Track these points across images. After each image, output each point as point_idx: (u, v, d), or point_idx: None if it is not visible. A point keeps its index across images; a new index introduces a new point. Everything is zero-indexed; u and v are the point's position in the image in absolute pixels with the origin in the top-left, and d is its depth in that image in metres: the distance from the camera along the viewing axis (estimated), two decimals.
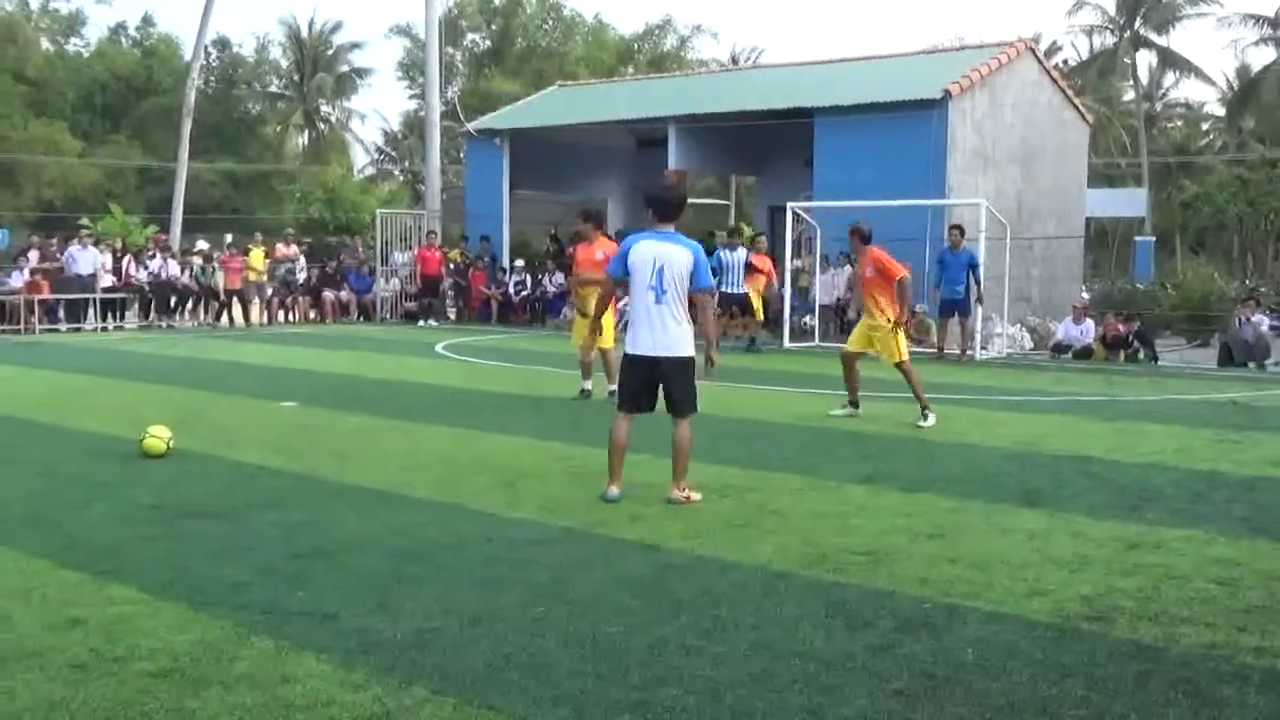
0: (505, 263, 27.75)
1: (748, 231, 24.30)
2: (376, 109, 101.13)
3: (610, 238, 13.36)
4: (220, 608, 5.06)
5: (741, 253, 19.28)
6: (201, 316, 25.52)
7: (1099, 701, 4.11)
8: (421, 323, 25.95)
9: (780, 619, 5.00)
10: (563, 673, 4.33)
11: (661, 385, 7.48)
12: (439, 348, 19.48)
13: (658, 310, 7.34)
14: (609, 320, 12.34)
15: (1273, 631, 4.87)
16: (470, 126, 29.39)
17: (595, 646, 4.63)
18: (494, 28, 54.76)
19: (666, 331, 7.34)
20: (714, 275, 15.84)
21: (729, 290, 18.78)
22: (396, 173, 61.63)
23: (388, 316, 27.61)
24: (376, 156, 62.60)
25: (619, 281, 7.70)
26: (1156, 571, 5.78)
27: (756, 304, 19.45)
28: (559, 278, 26.11)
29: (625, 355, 7.60)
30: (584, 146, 29.24)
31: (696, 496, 7.44)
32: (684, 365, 7.40)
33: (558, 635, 4.75)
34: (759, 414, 11.70)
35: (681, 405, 7.49)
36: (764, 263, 19.87)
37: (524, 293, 26.84)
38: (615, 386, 12.10)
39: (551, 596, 5.28)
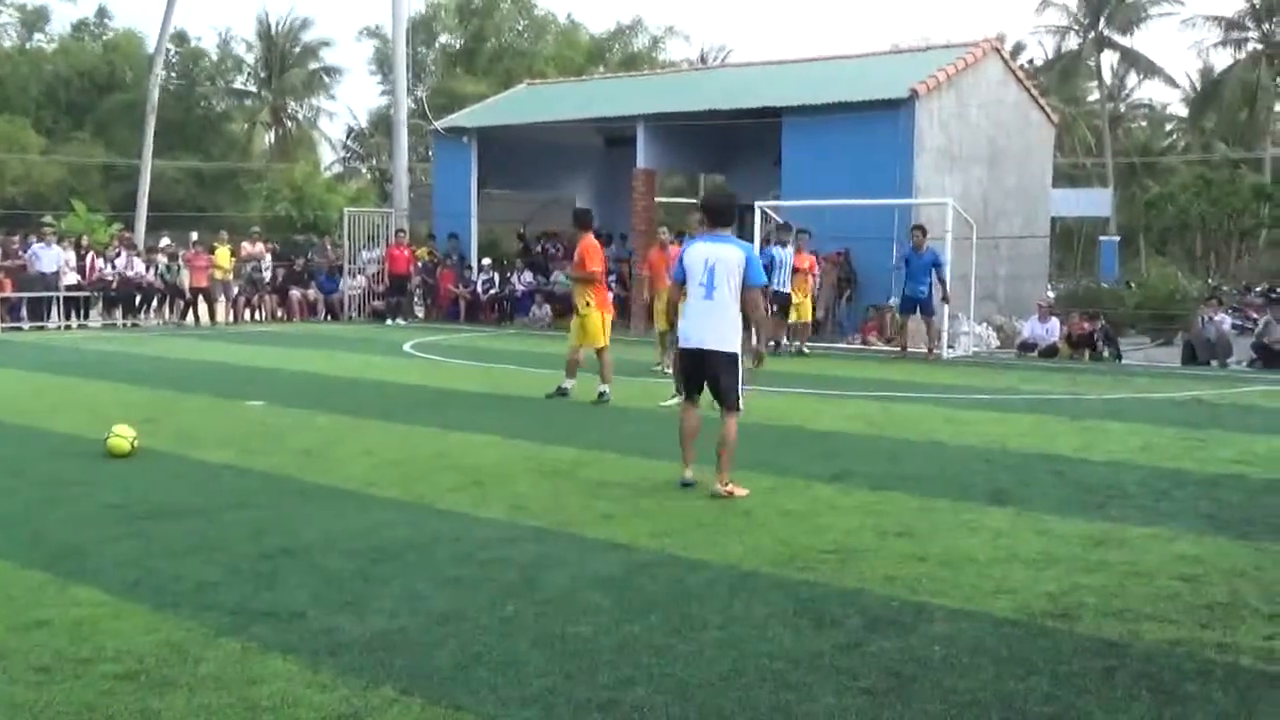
0: (474, 261, 27.67)
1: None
2: (349, 106, 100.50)
3: (597, 238, 13.32)
4: (186, 608, 5.02)
5: (793, 250, 18.94)
6: (167, 315, 25.31)
7: (1064, 697, 4.15)
8: (389, 321, 25.84)
9: (749, 617, 5.01)
10: (531, 672, 4.33)
11: (708, 378, 7.82)
12: (407, 347, 19.41)
13: (706, 306, 7.71)
14: (601, 320, 12.35)
15: (1235, 628, 4.92)
16: (438, 125, 29.29)
17: (564, 646, 4.62)
18: (468, 28, 54.54)
19: (714, 326, 7.71)
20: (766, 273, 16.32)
21: (779, 289, 18.30)
22: (364, 170, 61.34)
23: (355, 315, 27.48)
24: (344, 154, 62.31)
25: (681, 284, 7.98)
26: (1121, 569, 5.83)
27: (801, 304, 19.36)
28: (527, 276, 26.07)
29: (678, 349, 8.19)
30: (552, 145, 29.19)
31: (741, 491, 7.59)
32: (731, 359, 7.74)
33: (527, 635, 4.74)
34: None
35: (728, 397, 7.79)
36: (804, 260, 19.71)
37: (492, 291, 26.77)
38: (605, 388, 12.16)
39: (520, 596, 5.27)
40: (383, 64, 53.70)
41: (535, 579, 5.55)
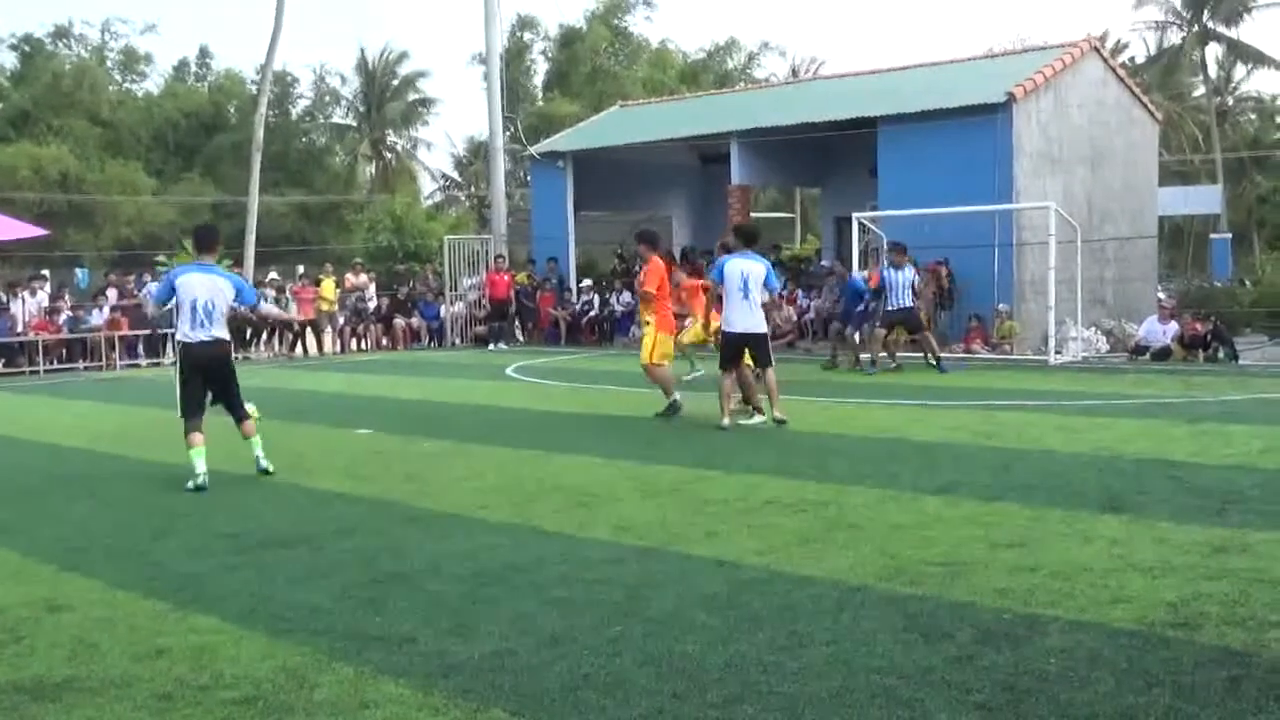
0: (572, 283, 27.87)
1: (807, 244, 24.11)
2: (447, 134, 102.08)
3: (663, 258, 13.53)
4: (300, 634, 5.12)
5: (909, 271, 18.01)
6: (276, 347, 25.91)
7: (1187, 710, 4.02)
8: (491, 346, 26.12)
9: (857, 633, 4.95)
10: (639, 692, 4.33)
11: (749, 350, 11.61)
12: (509, 370, 19.61)
13: (745, 303, 11.47)
14: (654, 339, 12.57)
15: None
16: (533, 150, 29.61)
17: (671, 665, 4.61)
18: (563, 52, 55.09)
19: (751, 316, 11.51)
20: (878, 294, 17.89)
21: (892, 307, 17.73)
22: (463, 198, 62.24)
23: (458, 341, 27.84)
24: (443, 183, 63.28)
25: (718, 285, 11.73)
26: (1244, 575, 5.64)
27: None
28: (625, 296, 26.19)
29: (723, 333, 11.72)
30: (647, 165, 29.33)
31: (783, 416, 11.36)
32: (762, 336, 11.66)
33: (634, 654, 4.75)
34: (831, 427, 11.63)
35: (763, 359, 11.65)
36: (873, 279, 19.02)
37: (591, 313, 26.94)
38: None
39: (627, 615, 5.28)
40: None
41: (641, 598, 5.55)
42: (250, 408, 9.64)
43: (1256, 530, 6.57)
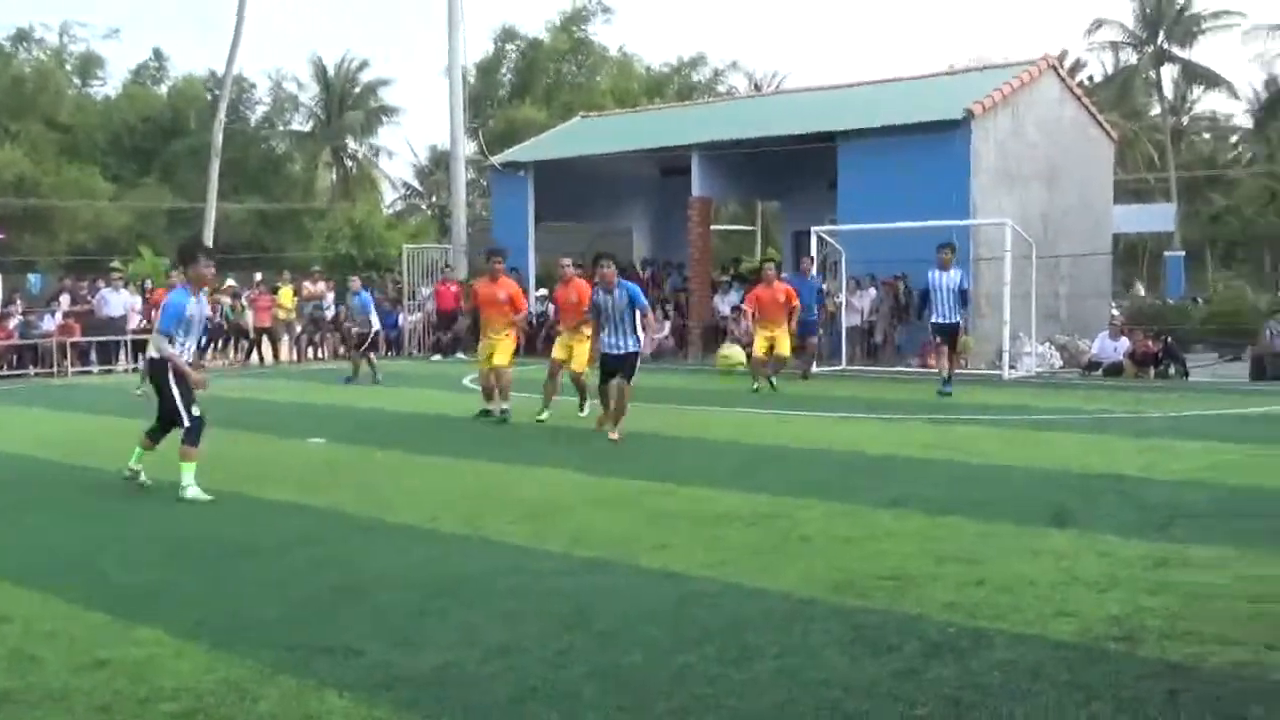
0: (532, 294, 27.83)
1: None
2: (409, 142, 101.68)
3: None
4: (244, 646, 5.08)
5: (956, 274, 16.41)
6: (231, 355, 25.70)
7: None
8: (438, 357, 25.98)
9: (805, 646, 4.97)
10: (586, 705, 4.32)
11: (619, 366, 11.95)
12: (466, 381, 19.53)
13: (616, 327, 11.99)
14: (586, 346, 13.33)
15: None
16: (494, 160, 29.59)
17: (619, 677, 4.61)
18: (521, 62, 54.94)
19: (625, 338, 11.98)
20: (925, 302, 16.87)
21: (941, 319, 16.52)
22: (424, 207, 62.02)
23: (415, 351, 27.72)
24: (404, 192, 63.03)
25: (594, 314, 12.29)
26: (1185, 590, 5.72)
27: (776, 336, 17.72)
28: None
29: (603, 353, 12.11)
30: (609, 176, 29.38)
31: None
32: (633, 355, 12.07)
33: (581, 666, 4.74)
34: (786, 440, 11.69)
35: (627, 375, 11.92)
36: (780, 293, 18.19)
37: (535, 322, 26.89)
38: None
39: (576, 628, 5.27)
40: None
41: (591, 611, 5.55)
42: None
43: (1199, 545, 6.66)
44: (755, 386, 17.05)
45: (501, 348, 13.66)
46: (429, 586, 6.04)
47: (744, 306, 18.92)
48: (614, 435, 11.66)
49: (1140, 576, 6.00)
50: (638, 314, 12.03)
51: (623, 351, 11.94)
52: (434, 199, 59.35)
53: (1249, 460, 9.86)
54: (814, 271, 20.25)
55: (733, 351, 20.57)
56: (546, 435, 12.52)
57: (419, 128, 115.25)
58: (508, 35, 54.82)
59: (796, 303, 17.55)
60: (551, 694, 4.44)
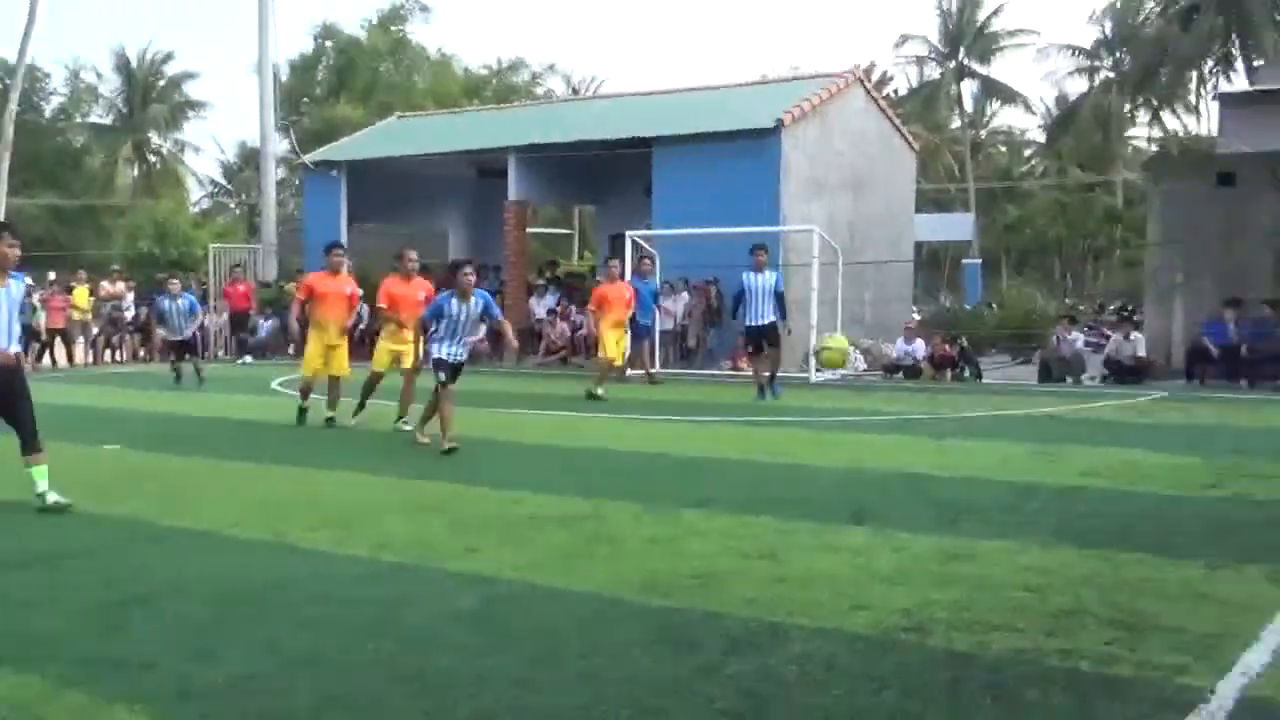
0: None
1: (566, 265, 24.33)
2: (215, 138, 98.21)
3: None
4: (30, 662, 4.86)
5: (770, 276, 16.31)
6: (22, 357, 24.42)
7: (913, 709, 4.26)
8: (240, 361, 25.19)
9: (610, 646, 5.04)
10: (390, 711, 4.29)
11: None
12: (274, 384, 19.07)
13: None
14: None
15: (1077, 635, 5.10)
16: (307, 159, 28.97)
17: (424, 682, 4.59)
18: (339, 60, 53.78)
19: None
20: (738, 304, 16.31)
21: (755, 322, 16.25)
22: (233, 206, 60.22)
23: (221, 353, 26.89)
24: (212, 189, 61.07)
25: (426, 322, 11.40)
26: (971, 582, 6.01)
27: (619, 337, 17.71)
28: None
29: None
30: (425, 177, 29.07)
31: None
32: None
33: (386, 673, 4.70)
34: (597, 442, 11.79)
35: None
36: (624, 292, 18.12)
37: (362, 325, 26.41)
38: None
39: (380, 634, 5.22)
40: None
41: (395, 616, 5.50)
42: None
43: (985, 539, 6.99)
44: (600, 392, 16.32)
45: (343, 354, 13.28)
46: (228, 595, 5.89)
47: (590, 306, 18.52)
48: (447, 444, 10.93)
49: (930, 570, 6.27)
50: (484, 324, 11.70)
51: (463, 360, 11.44)
52: (243, 197, 57.71)
53: (1033, 458, 10.39)
54: (654, 272, 20.14)
55: (837, 342, 18.49)
56: (354, 440, 12.32)
57: (228, 123, 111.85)
58: (328, 32, 53.69)
59: (633, 303, 17.68)
60: (355, 701, 4.39)
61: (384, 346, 13.23)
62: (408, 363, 12.86)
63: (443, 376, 11.17)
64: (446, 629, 5.29)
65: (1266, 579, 6.01)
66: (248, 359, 25.43)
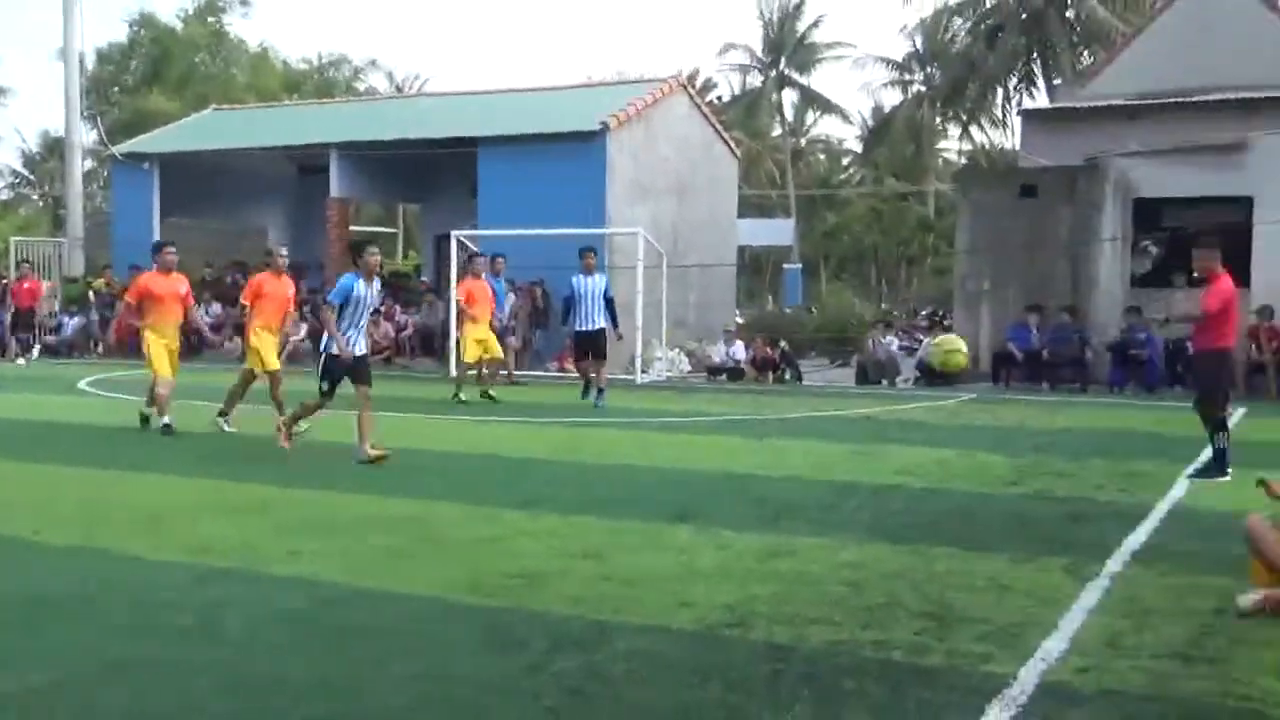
0: None
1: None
2: (17, 129, 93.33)
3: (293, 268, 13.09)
4: None
5: (600, 279, 16.03)
6: None
7: (735, 701, 4.38)
8: (21, 360, 23.83)
9: (436, 646, 5.03)
10: (210, 717, 4.20)
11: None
12: (82, 384, 18.32)
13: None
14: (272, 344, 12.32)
15: (890, 627, 5.31)
16: (116, 150, 27.86)
17: (247, 687, 4.50)
18: (153, 50, 51.79)
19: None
20: (568, 309, 15.80)
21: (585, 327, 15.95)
22: (35, 197, 57.46)
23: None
24: (13, 180, 58.12)
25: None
26: (791, 577, 6.20)
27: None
28: (216, 308, 25.09)
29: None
30: (243, 172, 28.31)
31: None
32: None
33: (206, 679, 4.59)
34: (422, 444, 11.69)
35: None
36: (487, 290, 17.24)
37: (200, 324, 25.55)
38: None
39: (199, 639, 5.10)
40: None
41: (216, 621, 5.37)
42: None
43: (803, 536, 7.22)
44: (463, 397, 15.92)
45: (171, 354, 12.56)
46: (33, 603, 5.65)
47: (459, 302, 17.03)
48: (371, 452, 10.27)
49: (752, 567, 6.44)
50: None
51: (364, 351, 10.79)
52: (47, 189, 55.08)
53: (851, 458, 10.76)
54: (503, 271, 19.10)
55: (952, 343, 14.88)
56: (171, 441, 11.90)
57: (30, 112, 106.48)
58: (146, 22, 51.67)
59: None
60: (173, 709, 4.28)
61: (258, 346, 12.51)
62: (271, 361, 12.41)
63: (324, 387, 10.51)
64: (269, 633, 5.20)
65: (1064, 571, 6.37)
66: (27, 358, 23.93)
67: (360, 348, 10.63)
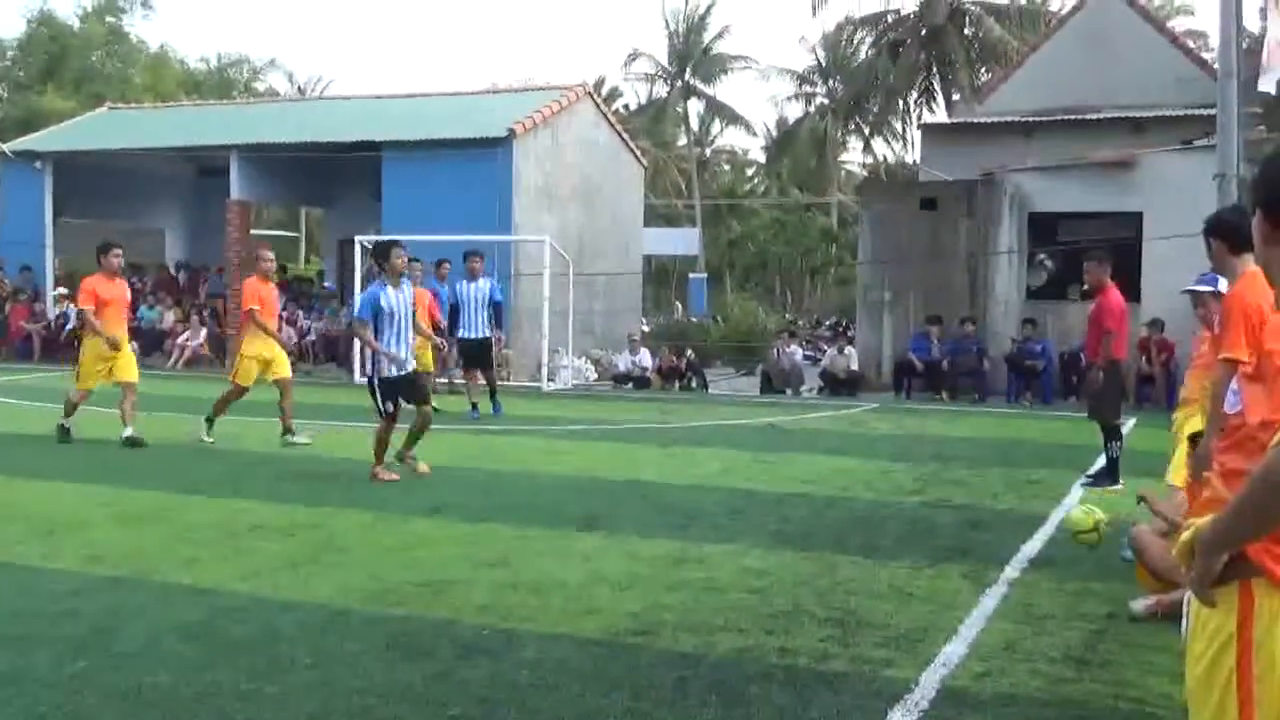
0: (49, 294, 25.70)
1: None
2: None
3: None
4: None
5: (485, 284, 15.51)
6: None
7: (642, 709, 4.39)
8: None
9: (340, 655, 4.96)
10: None
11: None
12: None
13: None
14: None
15: (795, 633, 5.37)
16: (6, 148, 27.02)
17: (141, 698, 4.40)
18: (49, 47, 50.30)
19: None
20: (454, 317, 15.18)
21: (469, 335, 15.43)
22: None
23: None
24: None
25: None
26: (697, 585, 6.22)
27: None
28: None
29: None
30: (139, 173, 27.65)
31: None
32: None
33: (99, 690, 4.48)
34: (327, 451, 11.53)
35: None
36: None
37: (70, 326, 24.90)
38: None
39: (92, 650, 4.97)
40: None
41: (110, 631, 5.24)
42: None
43: (711, 543, 7.26)
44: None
45: (123, 360, 11.92)
46: None
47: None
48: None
49: (659, 574, 6.46)
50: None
51: (412, 370, 10.29)
52: None
53: (756, 466, 10.84)
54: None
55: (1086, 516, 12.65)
56: (62, 447, 11.56)
57: None
58: (45, 20, 50.17)
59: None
60: None
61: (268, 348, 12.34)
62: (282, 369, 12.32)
63: (389, 408, 9.74)
64: (166, 643, 5.08)
65: (964, 577, 6.49)
66: None
67: (411, 363, 9.98)
